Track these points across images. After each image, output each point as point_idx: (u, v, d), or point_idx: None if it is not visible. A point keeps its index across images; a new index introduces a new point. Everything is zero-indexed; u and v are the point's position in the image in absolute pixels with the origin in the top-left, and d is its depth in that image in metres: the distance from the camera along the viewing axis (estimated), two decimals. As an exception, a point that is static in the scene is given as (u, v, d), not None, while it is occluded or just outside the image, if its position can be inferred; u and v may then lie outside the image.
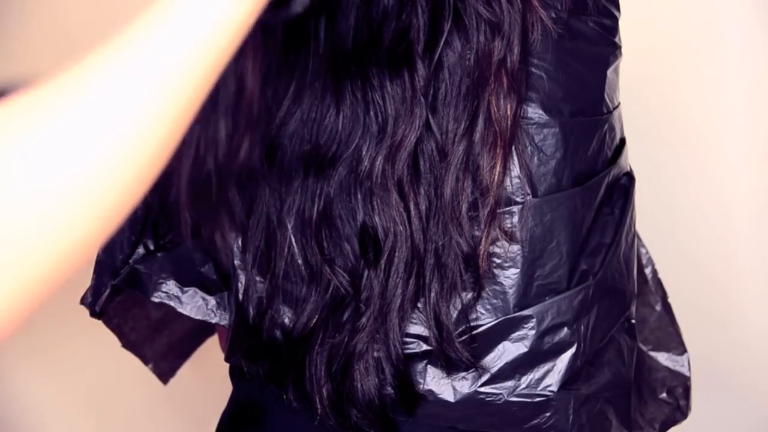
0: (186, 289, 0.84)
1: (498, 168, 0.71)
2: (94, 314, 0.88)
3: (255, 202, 0.75)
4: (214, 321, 0.85)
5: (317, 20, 0.70)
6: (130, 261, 0.85)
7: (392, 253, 0.71)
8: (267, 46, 0.70)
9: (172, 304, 0.84)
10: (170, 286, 0.84)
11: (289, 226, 0.74)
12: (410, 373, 0.74)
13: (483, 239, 0.72)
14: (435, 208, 0.72)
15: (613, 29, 0.79)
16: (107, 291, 0.86)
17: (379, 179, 0.71)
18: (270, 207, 0.75)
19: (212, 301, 0.85)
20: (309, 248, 0.74)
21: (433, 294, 0.73)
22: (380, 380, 0.74)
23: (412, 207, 0.71)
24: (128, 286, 0.85)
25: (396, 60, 0.69)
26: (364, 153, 0.71)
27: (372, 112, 0.71)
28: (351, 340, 0.73)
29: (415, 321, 0.74)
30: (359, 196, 0.72)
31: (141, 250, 0.86)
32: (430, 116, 0.71)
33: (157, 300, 0.84)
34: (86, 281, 0.87)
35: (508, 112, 0.71)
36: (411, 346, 0.75)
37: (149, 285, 0.84)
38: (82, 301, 0.88)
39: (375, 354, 0.74)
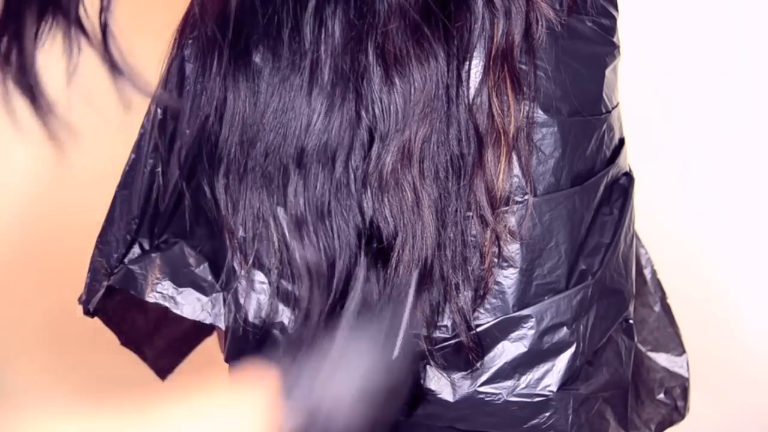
0: (181, 289, 0.84)
1: (502, 165, 0.71)
2: (87, 313, 0.87)
3: (242, 200, 0.75)
4: (209, 322, 0.85)
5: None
6: (125, 261, 0.85)
7: (402, 251, 0.71)
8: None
9: (167, 304, 0.84)
10: (165, 286, 0.84)
11: (284, 225, 0.73)
12: (418, 371, 0.74)
13: (487, 238, 0.72)
14: (442, 207, 0.72)
15: (612, 29, 0.79)
16: (102, 291, 0.85)
17: (388, 178, 0.70)
18: (261, 205, 0.74)
19: (207, 301, 0.85)
20: (305, 247, 0.73)
21: (434, 293, 0.73)
22: None
23: (423, 205, 0.71)
24: (123, 286, 0.85)
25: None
26: (369, 151, 0.71)
27: (372, 110, 0.70)
28: None
29: None
30: (369, 194, 0.71)
31: (136, 250, 0.85)
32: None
33: (152, 300, 0.84)
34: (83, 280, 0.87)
35: (512, 109, 0.71)
36: None
37: (144, 285, 0.83)
38: (79, 300, 0.87)
39: None
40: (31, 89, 0.52)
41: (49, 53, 0.53)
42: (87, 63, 0.55)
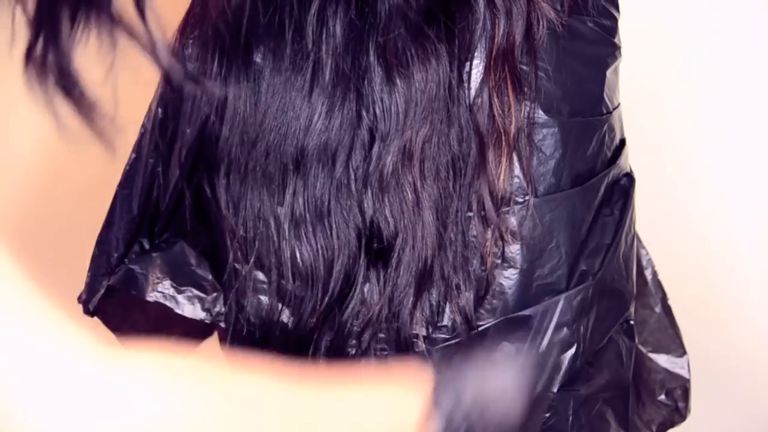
0: (182, 289, 0.83)
1: (503, 166, 0.71)
2: (87, 313, 0.87)
3: (243, 200, 0.75)
4: (209, 321, 0.85)
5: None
6: (126, 260, 0.85)
7: (403, 251, 0.71)
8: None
9: (167, 304, 0.83)
10: (166, 286, 0.84)
11: (284, 225, 0.73)
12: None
13: (488, 238, 0.72)
14: (442, 207, 0.72)
15: (613, 30, 0.79)
16: (102, 290, 0.85)
17: (389, 178, 0.70)
18: (262, 205, 0.74)
19: (208, 301, 0.85)
20: (305, 247, 0.73)
21: (435, 293, 0.72)
22: None
23: (423, 205, 0.71)
24: (123, 285, 0.84)
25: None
26: (370, 151, 0.71)
27: (373, 110, 0.70)
28: (352, 339, 0.73)
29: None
30: (369, 194, 0.71)
31: (137, 250, 0.85)
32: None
33: (152, 300, 0.83)
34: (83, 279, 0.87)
35: (512, 109, 0.71)
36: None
37: (145, 285, 0.83)
38: (79, 299, 0.87)
39: (378, 353, 0.73)
40: (72, 90, 0.50)
41: (84, 51, 0.50)
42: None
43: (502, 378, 0.60)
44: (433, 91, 0.70)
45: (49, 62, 0.49)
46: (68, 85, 0.50)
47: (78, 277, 0.87)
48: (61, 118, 0.50)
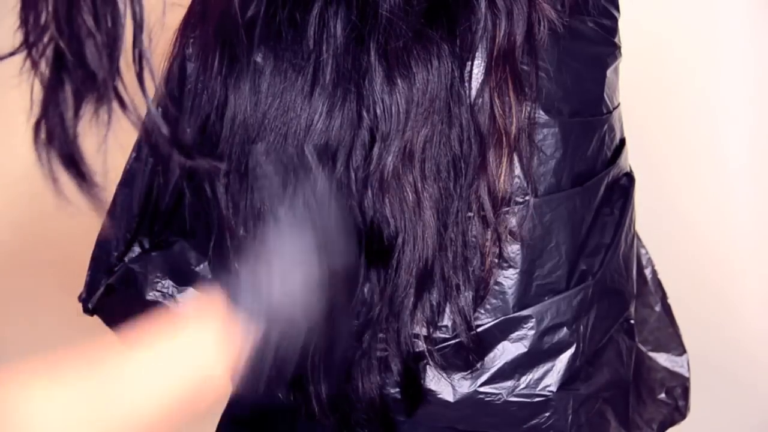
0: (181, 288, 0.83)
1: (504, 166, 0.71)
2: (87, 311, 0.87)
3: (243, 200, 0.75)
4: (210, 320, 0.85)
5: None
6: (125, 259, 0.85)
7: (403, 251, 0.71)
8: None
9: (167, 303, 0.84)
10: (166, 285, 0.84)
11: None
12: (419, 371, 0.74)
13: (488, 238, 0.72)
14: (443, 207, 0.72)
15: (613, 30, 0.79)
16: (101, 289, 0.85)
17: (390, 178, 0.70)
18: (262, 205, 0.74)
19: (208, 300, 0.85)
20: None
21: (435, 293, 0.73)
22: (383, 379, 0.74)
23: (424, 205, 0.71)
24: (123, 285, 0.84)
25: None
26: (370, 151, 0.71)
27: (374, 110, 0.70)
28: (352, 339, 0.73)
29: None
30: (369, 194, 0.71)
31: (137, 249, 0.85)
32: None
33: (151, 299, 0.83)
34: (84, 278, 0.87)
35: (513, 109, 0.71)
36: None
37: (144, 284, 0.83)
38: (78, 298, 0.87)
39: (378, 353, 0.73)
40: (72, 161, 0.55)
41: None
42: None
43: (290, 271, 0.62)
44: (434, 91, 0.70)
45: (54, 137, 0.54)
46: (68, 157, 0.55)
47: (78, 276, 0.87)
48: (60, 185, 0.55)
